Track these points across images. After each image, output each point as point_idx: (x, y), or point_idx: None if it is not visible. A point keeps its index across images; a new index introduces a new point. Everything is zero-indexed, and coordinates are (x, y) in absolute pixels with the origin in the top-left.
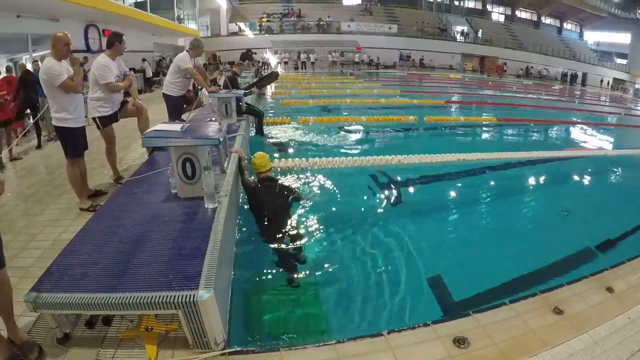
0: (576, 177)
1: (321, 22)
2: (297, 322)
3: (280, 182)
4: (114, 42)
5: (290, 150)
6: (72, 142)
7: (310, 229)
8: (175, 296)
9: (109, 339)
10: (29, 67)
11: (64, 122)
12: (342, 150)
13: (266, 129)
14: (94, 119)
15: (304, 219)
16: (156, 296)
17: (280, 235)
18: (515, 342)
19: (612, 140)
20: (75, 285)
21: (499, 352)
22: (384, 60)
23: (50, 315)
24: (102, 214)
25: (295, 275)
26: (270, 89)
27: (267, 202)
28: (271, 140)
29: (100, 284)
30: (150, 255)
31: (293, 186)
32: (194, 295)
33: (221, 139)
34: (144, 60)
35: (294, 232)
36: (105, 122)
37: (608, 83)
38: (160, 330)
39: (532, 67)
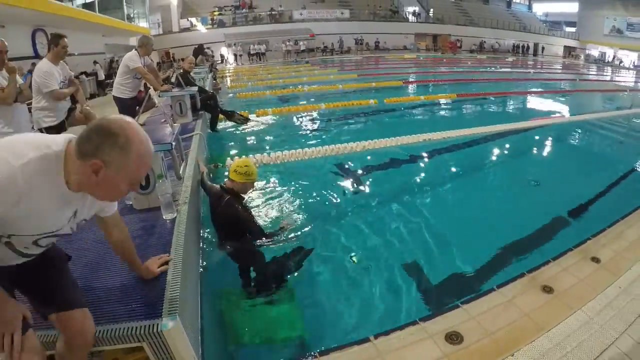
0: (540, 147)
1: (273, 12)
2: (276, 335)
3: (234, 202)
4: (51, 45)
5: (251, 146)
6: None
7: (277, 228)
8: (136, 328)
9: None
10: None
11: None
12: (303, 141)
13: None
14: (40, 130)
15: (268, 218)
16: (113, 329)
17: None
18: (510, 329)
19: (569, 106)
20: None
21: (494, 343)
22: (337, 45)
23: None
24: None
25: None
26: (227, 82)
27: (213, 213)
28: (229, 137)
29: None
30: (105, 280)
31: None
32: (158, 324)
33: (174, 143)
34: (95, 62)
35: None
36: (52, 133)
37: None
38: None
39: (484, 42)
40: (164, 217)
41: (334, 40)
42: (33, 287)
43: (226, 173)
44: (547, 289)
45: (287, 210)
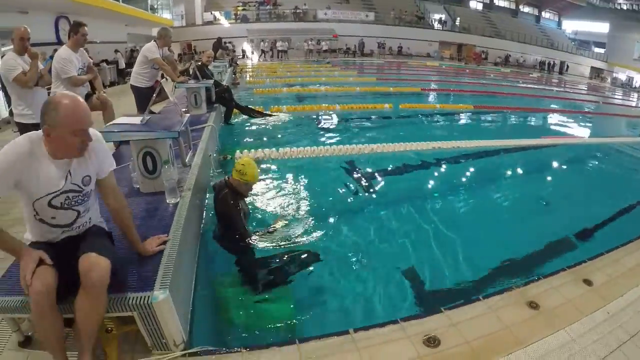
0: (554, 166)
1: (297, 10)
2: (265, 321)
3: (229, 197)
4: (70, 33)
5: (262, 141)
6: None
7: (281, 221)
8: (129, 298)
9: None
10: None
11: (23, 118)
12: (315, 140)
13: (238, 119)
14: None
15: (274, 211)
16: (109, 298)
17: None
18: (488, 339)
19: (590, 128)
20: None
21: (471, 350)
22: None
23: (10, 319)
24: None
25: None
26: (246, 77)
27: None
28: (242, 130)
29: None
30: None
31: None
32: (149, 296)
33: (181, 132)
34: (116, 51)
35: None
36: None
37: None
38: (121, 331)
39: (510, 56)
40: (167, 201)
41: (357, 42)
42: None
43: None
44: (533, 305)
45: (288, 207)
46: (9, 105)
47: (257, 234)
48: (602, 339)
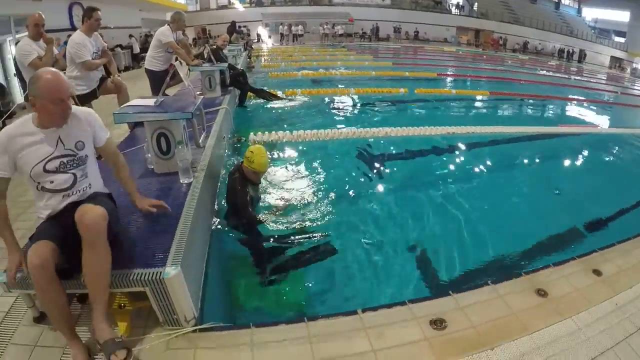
0: (569, 155)
1: None
2: (273, 300)
3: (237, 182)
4: (84, 17)
5: (276, 124)
6: None
7: (293, 203)
8: (141, 273)
9: (84, 317)
10: (13, 49)
11: None
12: (328, 123)
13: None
14: (72, 97)
15: (287, 194)
16: (122, 274)
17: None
18: (494, 324)
19: (607, 118)
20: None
21: (476, 334)
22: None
23: (25, 294)
24: None
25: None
26: (261, 61)
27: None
28: (256, 113)
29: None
30: (121, 232)
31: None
32: (160, 272)
33: (194, 113)
34: (130, 36)
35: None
36: (83, 100)
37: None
38: (133, 307)
39: (528, 42)
40: (180, 181)
41: (373, 26)
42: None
43: None
44: (542, 293)
45: (300, 189)
46: (25, 91)
47: (264, 218)
48: (608, 330)
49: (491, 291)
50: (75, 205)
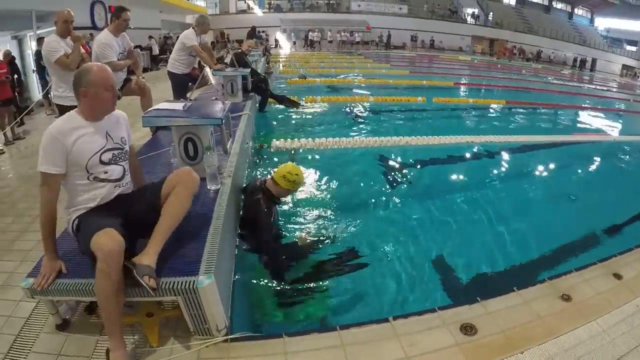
0: (584, 162)
1: (331, 1)
2: (302, 307)
3: (262, 204)
4: (113, 17)
5: (296, 130)
6: None
7: (314, 211)
8: (174, 282)
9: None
10: (33, 45)
11: (63, 100)
12: (348, 131)
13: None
14: None
15: (307, 202)
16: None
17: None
18: (522, 329)
19: (620, 126)
20: (74, 271)
21: (505, 339)
22: (394, 40)
23: (49, 301)
24: None
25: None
26: (279, 67)
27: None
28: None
29: None
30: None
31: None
32: (194, 281)
33: (224, 119)
34: (150, 37)
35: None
36: None
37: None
38: (161, 315)
39: (542, 52)
40: (208, 187)
41: (381, 34)
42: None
43: (271, 171)
44: (565, 297)
45: (322, 198)
46: (43, 89)
47: (287, 232)
48: (631, 331)
49: (517, 297)
50: (124, 198)
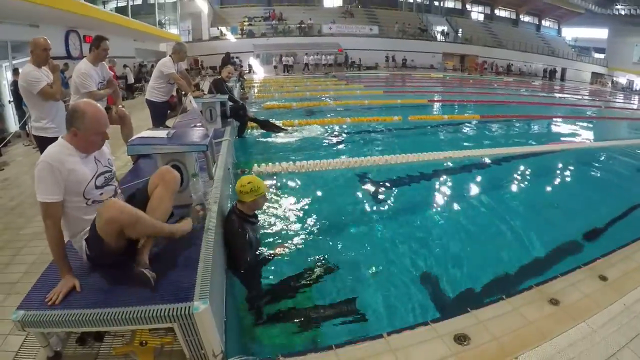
0: (561, 170)
1: (303, 25)
2: (295, 326)
3: (234, 224)
4: (92, 47)
5: (276, 154)
6: None
7: (299, 234)
8: (169, 309)
9: (102, 356)
10: (9, 75)
11: (44, 132)
12: (328, 153)
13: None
14: None
15: (291, 225)
16: (150, 310)
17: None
18: (515, 335)
19: (593, 132)
20: (65, 302)
21: (499, 346)
22: (365, 61)
23: (40, 333)
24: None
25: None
26: (254, 92)
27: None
28: (255, 144)
29: (90, 299)
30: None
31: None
32: (189, 307)
33: (208, 145)
34: (125, 66)
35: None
36: None
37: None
38: (155, 344)
39: (512, 65)
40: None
41: (362, 55)
42: None
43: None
44: (554, 301)
45: (303, 220)
46: (20, 120)
47: (263, 261)
48: (620, 329)
49: (507, 305)
50: None
